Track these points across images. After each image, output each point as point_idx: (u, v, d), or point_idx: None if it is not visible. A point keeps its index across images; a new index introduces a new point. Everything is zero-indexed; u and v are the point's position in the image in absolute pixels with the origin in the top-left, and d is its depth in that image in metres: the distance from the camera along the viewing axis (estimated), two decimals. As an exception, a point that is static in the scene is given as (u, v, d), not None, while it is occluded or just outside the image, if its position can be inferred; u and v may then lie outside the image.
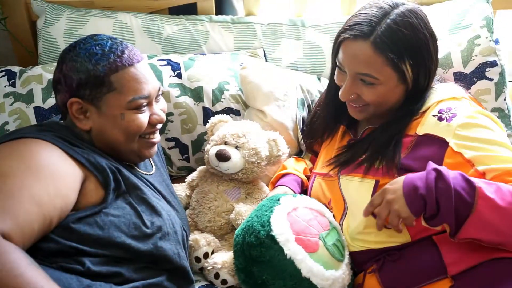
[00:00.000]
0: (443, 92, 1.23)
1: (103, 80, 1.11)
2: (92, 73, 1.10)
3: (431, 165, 1.04)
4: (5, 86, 1.66)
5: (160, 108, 1.22)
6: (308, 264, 1.14)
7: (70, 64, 1.12)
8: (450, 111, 1.17)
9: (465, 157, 1.10)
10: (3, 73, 1.69)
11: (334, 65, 1.28)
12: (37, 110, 1.61)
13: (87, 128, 1.14)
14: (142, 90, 1.14)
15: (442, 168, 1.03)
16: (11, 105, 1.63)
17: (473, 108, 1.19)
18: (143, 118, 1.16)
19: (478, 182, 1.01)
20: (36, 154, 1.01)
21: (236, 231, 1.27)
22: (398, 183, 1.05)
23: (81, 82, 1.11)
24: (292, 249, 1.15)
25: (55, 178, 1.00)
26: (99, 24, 1.76)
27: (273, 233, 1.17)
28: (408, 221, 1.03)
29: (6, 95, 1.65)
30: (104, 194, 1.07)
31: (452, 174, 1.02)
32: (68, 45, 1.19)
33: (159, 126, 1.23)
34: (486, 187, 1.00)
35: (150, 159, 1.33)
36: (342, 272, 1.19)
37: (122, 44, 1.15)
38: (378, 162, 1.20)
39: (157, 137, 1.23)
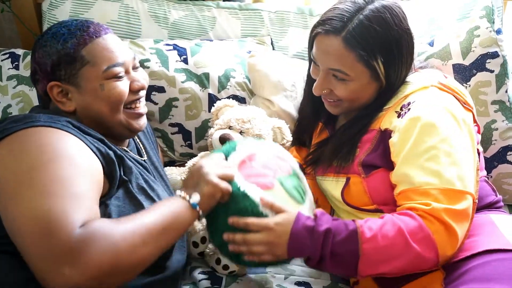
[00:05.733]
0: (413, 85, 1.20)
1: (74, 56, 1.11)
2: (62, 52, 1.11)
3: (320, 225, 1.05)
4: (9, 68, 1.66)
5: (141, 76, 1.20)
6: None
7: (40, 50, 1.13)
8: (408, 106, 1.15)
9: (392, 158, 1.12)
10: (7, 55, 1.69)
11: (310, 59, 1.27)
12: (41, 92, 1.60)
13: (72, 109, 1.13)
14: (115, 58, 1.13)
15: (327, 226, 1.04)
16: (14, 87, 1.63)
17: (430, 102, 1.14)
18: (123, 86, 1.14)
19: (361, 225, 1.04)
20: (74, 150, 0.99)
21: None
22: (285, 229, 1.05)
23: (54, 63, 1.11)
24: (247, 185, 1.08)
25: (99, 180, 1.00)
26: (104, 8, 1.74)
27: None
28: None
29: (10, 78, 1.64)
30: (109, 187, 1.06)
31: (336, 228, 1.04)
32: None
33: (142, 93, 1.20)
34: (369, 228, 1.03)
35: (140, 145, 1.31)
36: (302, 210, 1.12)
37: (87, 21, 1.16)
38: (338, 163, 1.21)
39: (142, 106, 1.21)
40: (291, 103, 1.58)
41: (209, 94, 1.61)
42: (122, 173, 1.09)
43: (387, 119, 1.18)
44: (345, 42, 1.13)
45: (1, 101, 1.62)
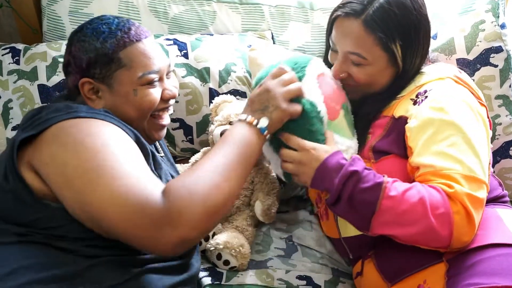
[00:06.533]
0: (428, 75, 1.21)
1: (112, 57, 1.10)
2: (100, 51, 1.09)
3: (350, 165, 1.06)
4: (9, 63, 1.65)
5: (172, 84, 1.21)
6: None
7: (78, 44, 1.12)
8: (425, 93, 1.16)
9: (407, 143, 1.13)
10: (7, 50, 1.68)
11: (327, 45, 1.28)
12: (41, 87, 1.60)
13: (100, 108, 1.13)
14: (152, 65, 1.12)
15: (357, 169, 1.05)
16: (15, 82, 1.62)
17: (448, 91, 1.15)
18: (156, 93, 1.14)
19: (388, 181, 1.05)
20: (121, 136, 1.02)
21: (261, 74, 1.20)
22: (319, 156, 1.08)
23: (90, 61, 1.10)
24: (323, 108, 1.13)
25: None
26: (104, 3, 1.73)
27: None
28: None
29: (10, 72, 1.63)
30: None
31: (364, 175, 1.05)
32: (76, 25, 1.20)
33: (172, 102, 1.21)
34: (394, 187, 1.04)
35: (156, 142, 1.32)
36: (354, 143, 1.18)
37: (129, 22, 1.15)
38: None
39: (166, 118, 1.22)
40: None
41: (210, 89, 1.60)
42: (153, 168, 1.09)
43: (402, 107, 1.18)
44: (364, 24, 1.14)
45: (2, 96, 1.61)
